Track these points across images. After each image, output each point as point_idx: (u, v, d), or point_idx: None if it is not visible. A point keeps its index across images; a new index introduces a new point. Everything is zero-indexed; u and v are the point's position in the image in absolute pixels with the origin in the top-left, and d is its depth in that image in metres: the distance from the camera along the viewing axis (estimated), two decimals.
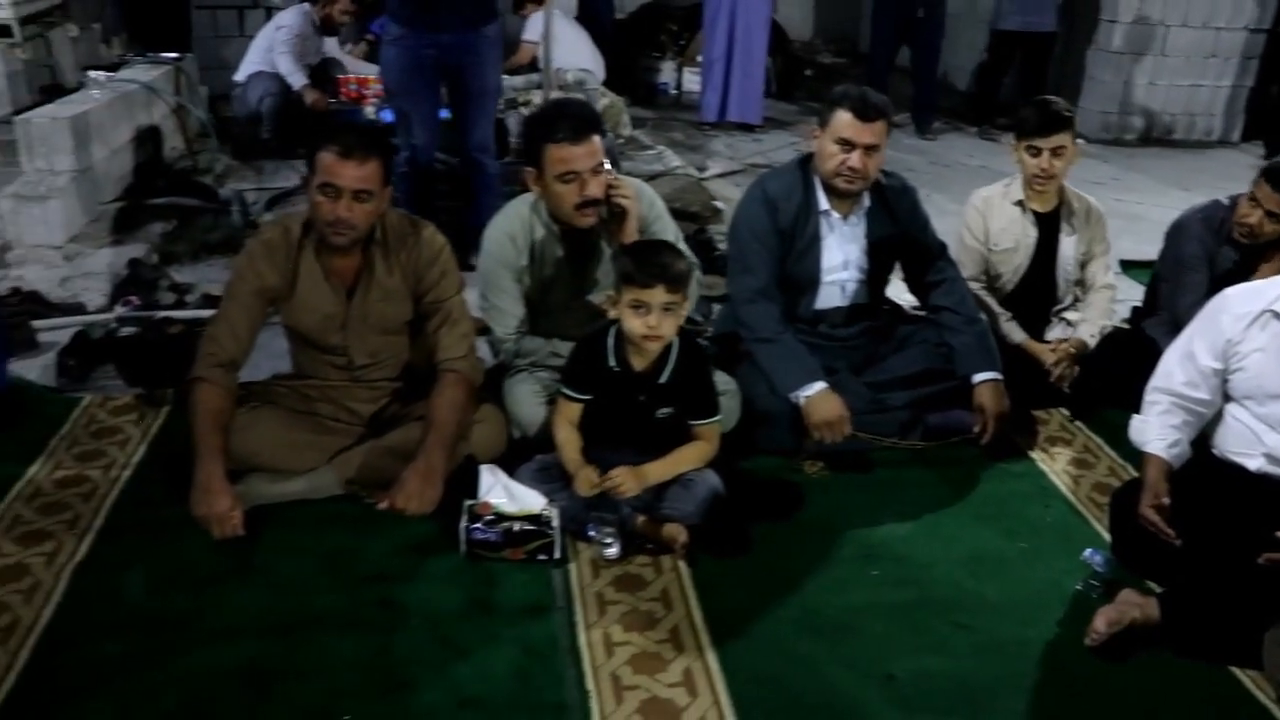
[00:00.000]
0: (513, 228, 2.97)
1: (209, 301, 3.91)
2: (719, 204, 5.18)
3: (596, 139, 2.82)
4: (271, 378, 2.97)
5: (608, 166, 2.89)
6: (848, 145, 2.96)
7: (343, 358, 2.84)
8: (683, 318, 2.59)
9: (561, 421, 2.69)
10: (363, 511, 2.76)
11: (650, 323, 2.52)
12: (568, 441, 2.67)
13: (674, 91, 8.12)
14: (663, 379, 2.64)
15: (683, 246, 2.90)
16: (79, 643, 2.34)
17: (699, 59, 7.82)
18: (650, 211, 3.00)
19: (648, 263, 2.52)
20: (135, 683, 2.22)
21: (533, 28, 5.67)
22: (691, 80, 7.95)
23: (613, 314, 2.59)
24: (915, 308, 3.43)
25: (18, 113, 4.82)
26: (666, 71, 8.21)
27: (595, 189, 2.82)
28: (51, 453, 3.03)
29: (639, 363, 2.63)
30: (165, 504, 2.79)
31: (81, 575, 2.54)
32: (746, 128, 7.07)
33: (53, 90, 5.50)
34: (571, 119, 2.81)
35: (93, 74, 5.32)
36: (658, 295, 2.51)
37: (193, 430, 2.66)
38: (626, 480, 2.55)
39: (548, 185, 2.83)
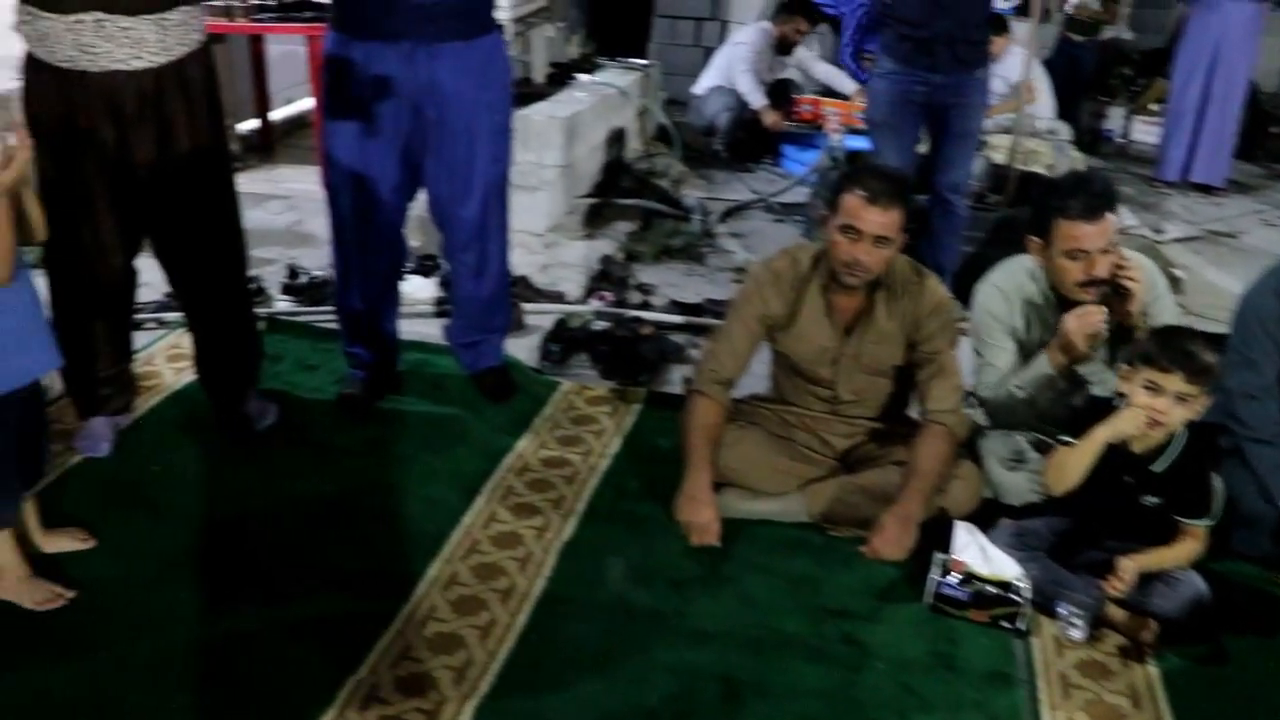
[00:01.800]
0: (1008, 285, 2.94)
1: (677, 308, 4.13)
2: (1178, 273, 4.91)
3: (1110, 218, 2.75)
4: (750, 397, 3.10)
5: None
6: None
7: (828, 391, 2.93)
8: (1196, 412, 2.49)
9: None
10: (827, 542, 2.84)
11: (1159, 407, 2.44)
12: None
13: (1120, 140, 7.76)
14: (1158, 467, 2.55)
15: (1184, 324, 2.79)
16: (567, 616, 2.55)
17: (1152, 107, 7.43)
18: (1151, 292, 2.90)
19: (1174, 349, 2.44)
20: (619, 668, 2.39)
21: (1009, 68, 5.55)
22: (1143, 130, 7.58)
23: (1121, 388, 2.53)
24: None
25: None
26: (1114, 118, 7.85)
27: (1102, 269, 2.75)
28: (536, 431, 3.30)
29: (1138, 445, 2.55)
30: (641, 499, 2.99)
31: (568, 554, 2.76)
32: (1205, 189, 6.64)
33: (523, 84, 5.95)
34: (1089, 196, 2.74)
35: (582, 77, 5.71)
36: (1174, 382, 2.42)
37: (686, 440, 2.83)
38: (1129, 572, 2.48)
39: (1053, 258, 2.79)
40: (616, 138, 5.80)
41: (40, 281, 2.58)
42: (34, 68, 2.73)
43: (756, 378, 3.11)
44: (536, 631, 2.49)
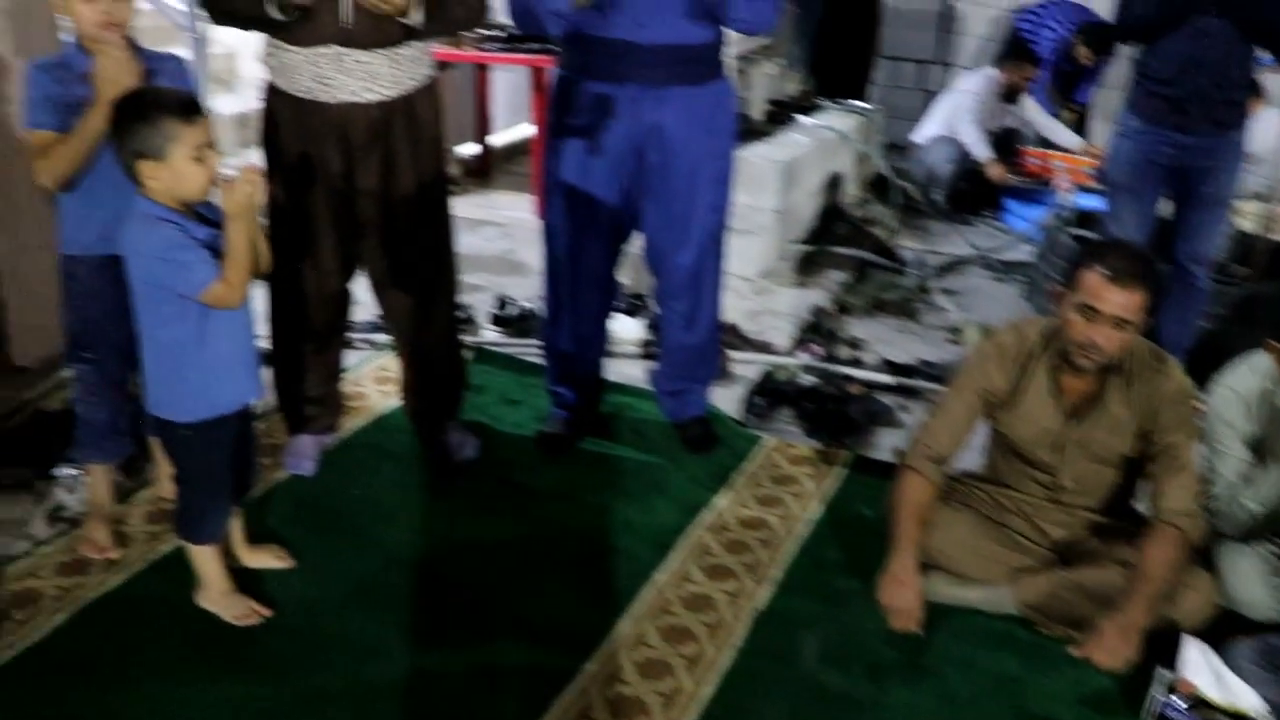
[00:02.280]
0: (1247, 387, 2.71)
1: (888, 367, 3.98)
2: None
3: None
4: (963, 474, 2.93)
5: None
6: None
7: (1048, 476, 2.74)
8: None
9: None
10: (1035, 640, 2.64)
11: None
12: None
13: None
14: None
15: None
16: (754, 692, 2.44)
17: None
18: None
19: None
20: None
21: (1259, 133, 5.19)
22: None
23: None
24: None
25: None
26: None
27: None
28: (735, 487, 3.20)
29: None
30: (840, 571, 2.86)
31: (761, 624, 2.65)
32: None
33: (741, 120, 5.87)
34: None
35: (802, 119, 5.61)
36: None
37: (894, 517, 2.69)
38: None
39: None
40: (833, 183, 5.67)
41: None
42: (274, 97, 2.82)
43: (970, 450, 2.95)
44: (721, 705, 2.39)
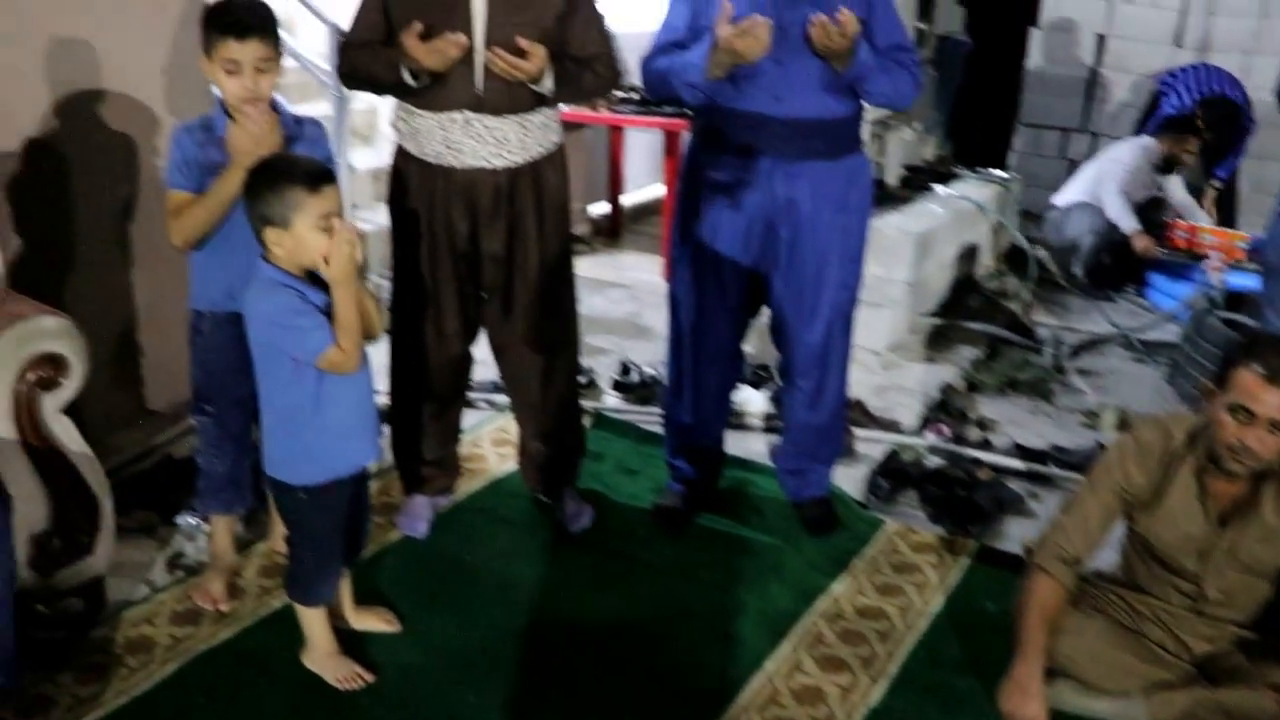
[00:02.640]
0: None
1: (1019, 452, 3.82)
2: None
3: None
4: (1096, 576, 2.77)
5: None
6: None
7: (1192, 586, 2.57)
8: None
9: None
10: None
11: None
12: None
13: None
14: None
15: None
16: None
17: None
18: None
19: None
20: None
21: None
22: None
23: None
24: None
25: None
26: None
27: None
28: (854, 573, 3.09)
29: None
30: (960, 670, 2.73)
31: None
32: None
33: (876, 186, 5.75)
34: None
35: (939, 189, 5.50)
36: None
37: (1021, 619, 2.54)
38: None
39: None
40: (968, 254, 5.53)
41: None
42: (403, 160, 2.86)
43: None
44: None
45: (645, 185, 6.45)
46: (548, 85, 2.70)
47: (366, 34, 2.80)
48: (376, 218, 4.95)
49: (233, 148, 2.46)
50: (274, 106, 2.56)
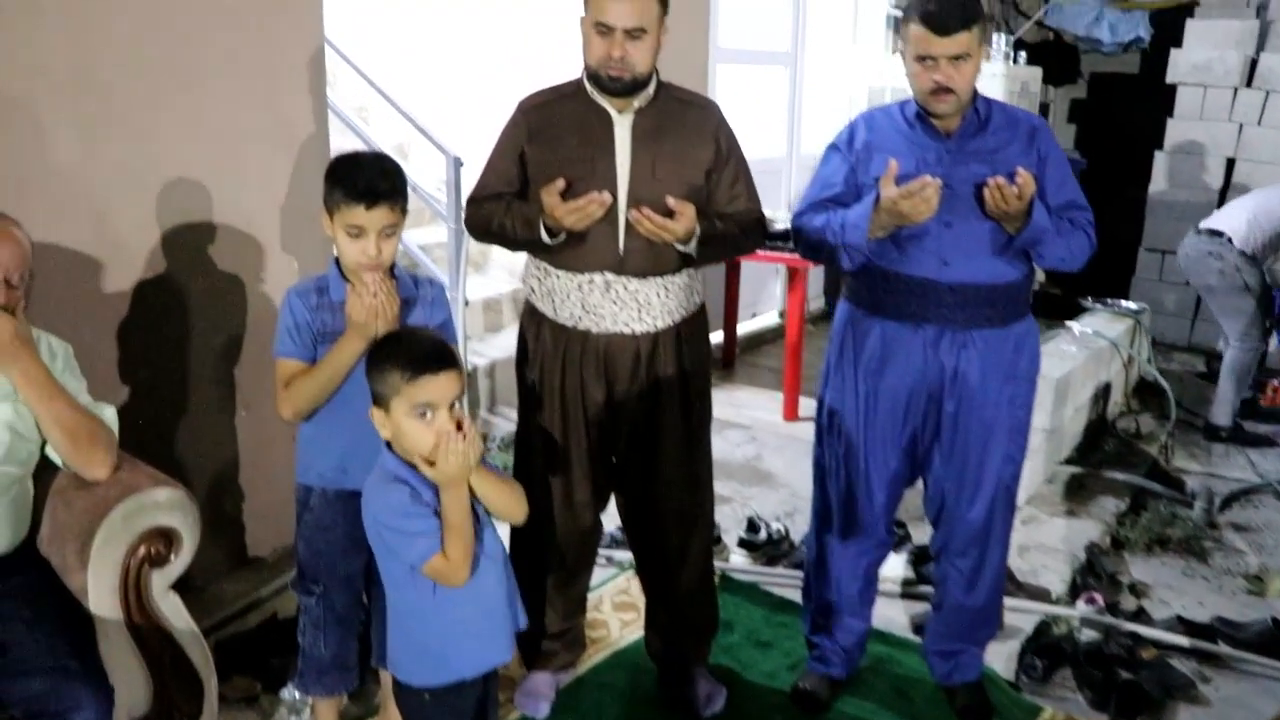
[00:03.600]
0: None
1: (1182, 625, 3.49)
2: None
3: None
4: None
5: None
6: None
7: None
8: None
9: None
10: None
11: None
12: None
13: None
14: None
15: None
16: None
17: None
18: None
19: None
20: None
21: None
22: None
23: None
24: None
25: None
26: None
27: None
28: None
29: None
30: None
31: None
32: None
33: None
34: None
35: (1073, 326, 5.23)
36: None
37: None
38: None
39: None
40: (1102, 393, 5.23)
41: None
42: (534, 321, 2.69)
43: None
44: None
45: (759, 313, 6.26)
46: (694, 245, 2.52)
47: (499, 186, 2.66)
48: (487, 350, 4.81)
49: (350, 315, 2.29)
50: (392, 270, 2.40)
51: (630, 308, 2.56)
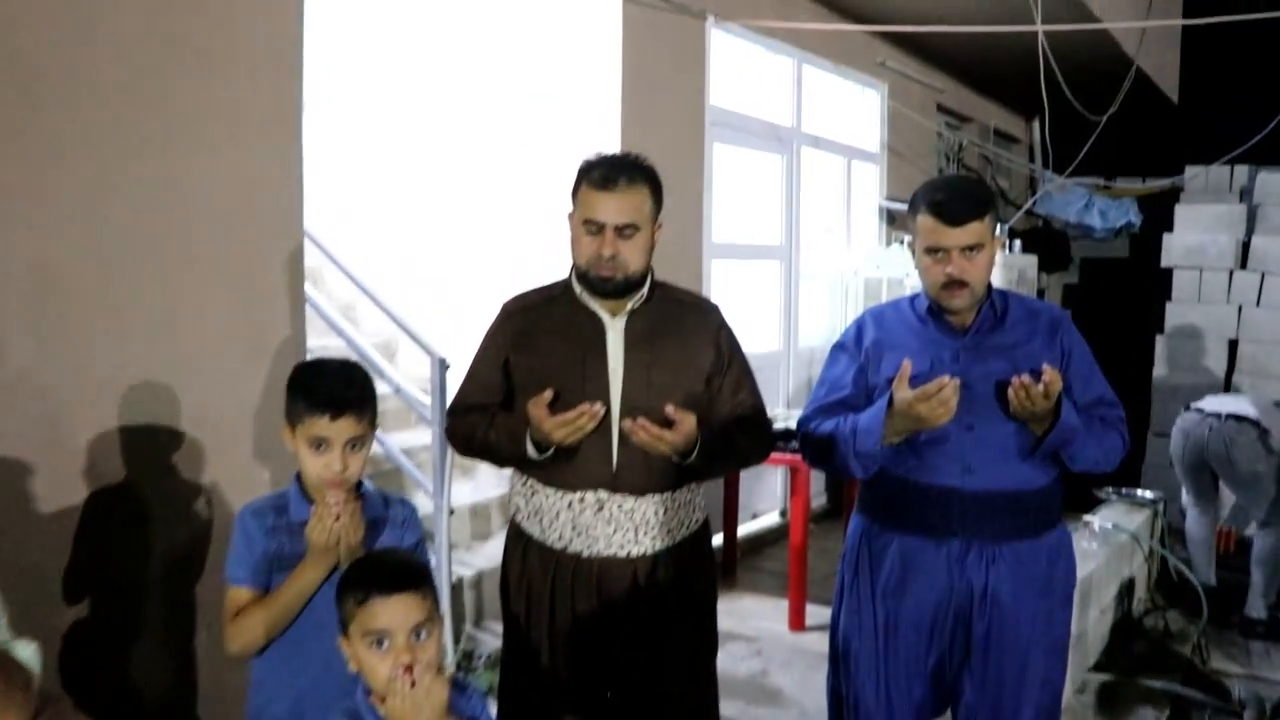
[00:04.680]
0: None
1: None
2: None
3: None
4: None
5: None
6: None
7: None
8: None
9: None
10: None
11: None
12: None
13: None
14: None
15: None
16: None
17: None
18: None
19: None
20: None
21: None
22: None
23: None
24: None
25: None
26: None
27: None
28: None
29: None
30: None
31: None
32: None
33: None
34: None
35: (1092, 520, 4.98)
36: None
37: None
38: None
39: None
40: (1126, 591, 4.95)
41: None
42: (520, 543, 2.45)
43: None
44: None
45: (761, 512, 6.01)
46: (696, 458, 2.30)
47: (482, 396, 2.45)
48: (474, 560, 4.55)
49: (309, 541, 2.05)
50: (359, 488, 2.18)
51: (625, 528, 2.32)
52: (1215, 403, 5.49)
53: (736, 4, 5.56)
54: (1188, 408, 5.57)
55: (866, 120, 7.41)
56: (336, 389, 2.09)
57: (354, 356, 4.71)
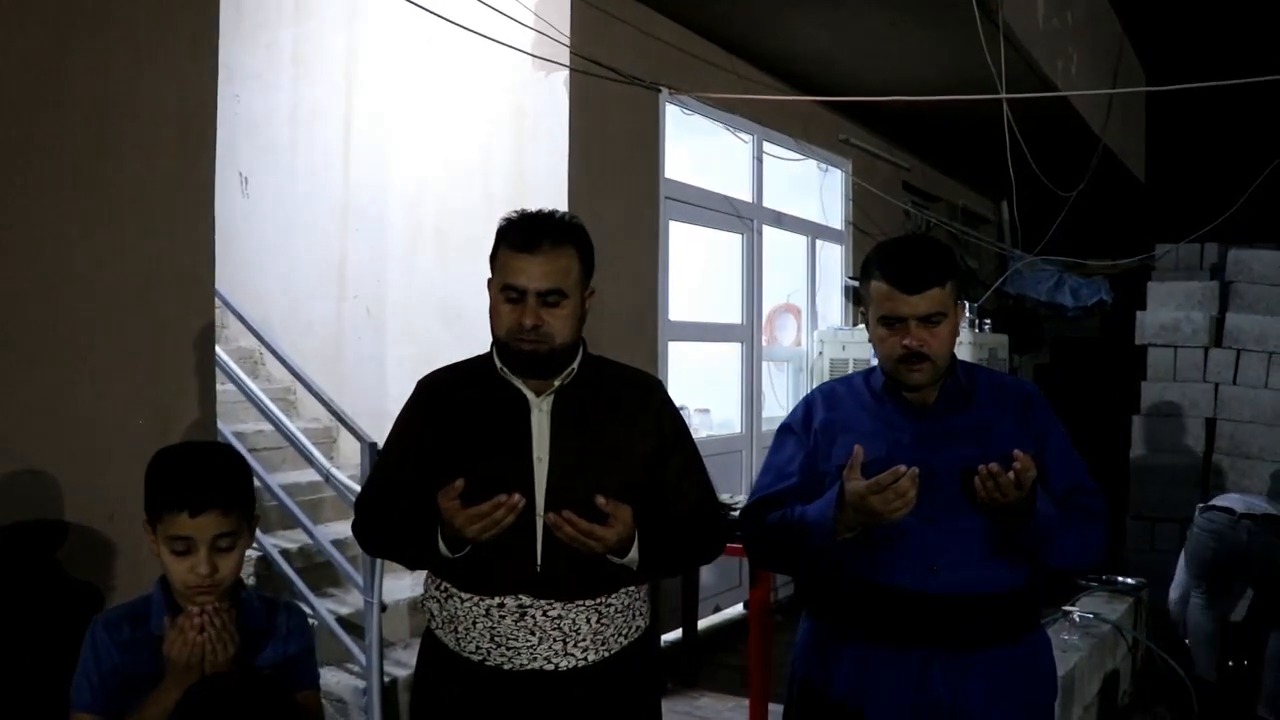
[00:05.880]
0: None
1: None
2: None
3: None
4: None
5: None
6: None
7: None
8: None
9: None
10: None
11: None
12: None
13: None
14: None
15: None
16: None
17: None
18: None
19: None
20: None
21: None
22: None
23: None
24: None
25: None
26: None
27: None
28: None
29: None
30: None
31: None
32: None
33: None
34: None
35: (1073, 611, 4.72)
36: None
37: None
38: None
39: None
40: (1110, 684, 4.67)
41: None
42: (434, 654, 2.15)
43: None
44: None
45: (723, 605, 5.71)
46: (633, 557, 2.01)
47: (392, 486, 2.18)
48: (409, 658, 4.21)
49: (167, 658, 1.78)
50: (236, 594, 1.90)
51: (552, 638, 2.03)
52: (1239, 502, 5.24)
53: (693, 77, 5.40)
54: (1206, 507, 5.29)
55: (830, 198, 7.26)
56: (197, 480, 1.82)
57: (284, 444, 4.45)
